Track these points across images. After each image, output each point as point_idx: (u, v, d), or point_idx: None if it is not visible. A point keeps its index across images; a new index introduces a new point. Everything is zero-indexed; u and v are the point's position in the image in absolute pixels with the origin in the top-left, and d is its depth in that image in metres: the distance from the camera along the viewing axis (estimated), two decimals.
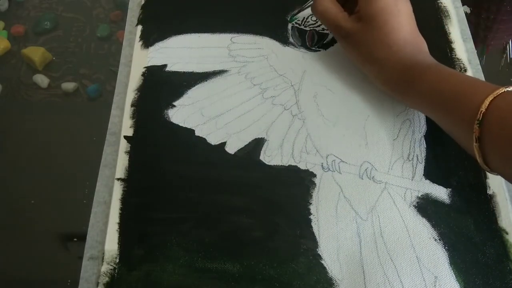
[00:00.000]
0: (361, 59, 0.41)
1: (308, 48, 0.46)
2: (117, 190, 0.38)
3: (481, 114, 0.32)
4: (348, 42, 0.41)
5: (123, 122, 0.41)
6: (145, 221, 0.37)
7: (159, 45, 0.46)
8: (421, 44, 0.40)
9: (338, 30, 0.41)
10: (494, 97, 0.32)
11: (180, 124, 0.41)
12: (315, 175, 0.39)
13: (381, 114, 0.42)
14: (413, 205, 0.37)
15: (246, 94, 0.43)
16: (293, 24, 0.47)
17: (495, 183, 0.39)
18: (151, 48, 0.46)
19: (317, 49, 0.46)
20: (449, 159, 0.40)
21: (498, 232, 0.37)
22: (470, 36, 0.47)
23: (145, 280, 0.34)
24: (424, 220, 0.37)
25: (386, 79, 0.39)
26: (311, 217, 0.37)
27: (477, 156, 0.33)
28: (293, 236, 0.36)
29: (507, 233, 0.37)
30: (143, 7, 0.49)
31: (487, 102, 0.32)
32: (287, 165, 0.39)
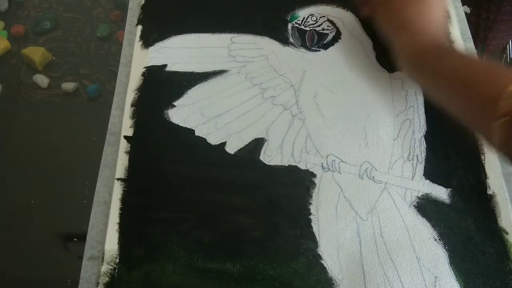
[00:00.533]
0: (392, 23, 0.41)
1: (308, 48, 0.46)
2: (117, 190, 0.38)
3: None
4: (384, 7, 0.42)
5: (123, 122, 0.41)
6: (145, 221, 0.37)
7: (159, 45, 0.46)
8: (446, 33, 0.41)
9: None
10: None
11: (180, 124, 0.41)
12: (315, 175, 0.39)
13: (381, 114, 0.42)
14: (413, 205, 0.37)
15: (246, 94, 0.43)
16: (293, 24, 0.47)
17: (495, 183, 0.39)
18: (151, 48, 0.46)
19: (317, 49, 0.46)
20: (449, 159, 0.40)
21: (498, 232, 0.37)
22: (470, 36, 0.47)
23: (145, 280, 0.34)
24: (424, 220, 0.37)
25: (412, 51, 0.39)
26: (311, 217, 0.37)
27: (498, 136, 0.32)
28: (293, 236, 0.36)
29: (507, 233, 0.37)
30: (143, 7, 0.49)
31: None
32: (287, 165, 0.39)
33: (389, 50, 0.42)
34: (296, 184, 0.38)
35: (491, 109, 0.32)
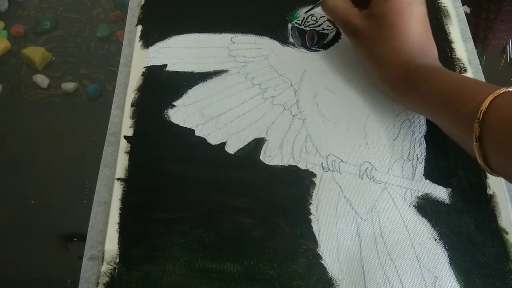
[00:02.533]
0: (366, 56, 0.41)
1: (308, 48, 0.46)
2: (117, 190, 0.38)
3: (482, 113, 0.32)
4: (356, 38, 0.41)
5: (123, 122, 0.41)
6: (145, 221, 0.37)
7: (159, 45, 0.46)
8: (429, 48, 0.39)
9: (347, 26, 0.41)
10: (495, 97, 0.32)
11: (180, 124, 0.41)
12: (315, 175, 0.39)
13: (381, 114, 0.42)
14: (413, 205, 0.37)
15: (246, 94, 0.43)
16: (293, 24, 0.47)
17: (495, 183, 0.39)
18: (151, 48, 0.46)
19: (317, 49, 0.46)
20: (449, 159, 0.40)
21: (498, 232, 0.37)
22: (470, 36, 0.47)
23: (145, 280, 0.34)
24: (424, 220, 0.37)
25: (387, 78, 0.39)
26: (311, 217, 0.37)
27: (478, 156, 0.33)
28: (293, 236, 0.36)
29: (507, 233, 0.37)
30: (143, 7, 0.49)
31: (487, 101, 0.32)
32: (287, 165, 0.39)
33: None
34: (296, 184, 0.38)
35: (466, 132, 0.33)
